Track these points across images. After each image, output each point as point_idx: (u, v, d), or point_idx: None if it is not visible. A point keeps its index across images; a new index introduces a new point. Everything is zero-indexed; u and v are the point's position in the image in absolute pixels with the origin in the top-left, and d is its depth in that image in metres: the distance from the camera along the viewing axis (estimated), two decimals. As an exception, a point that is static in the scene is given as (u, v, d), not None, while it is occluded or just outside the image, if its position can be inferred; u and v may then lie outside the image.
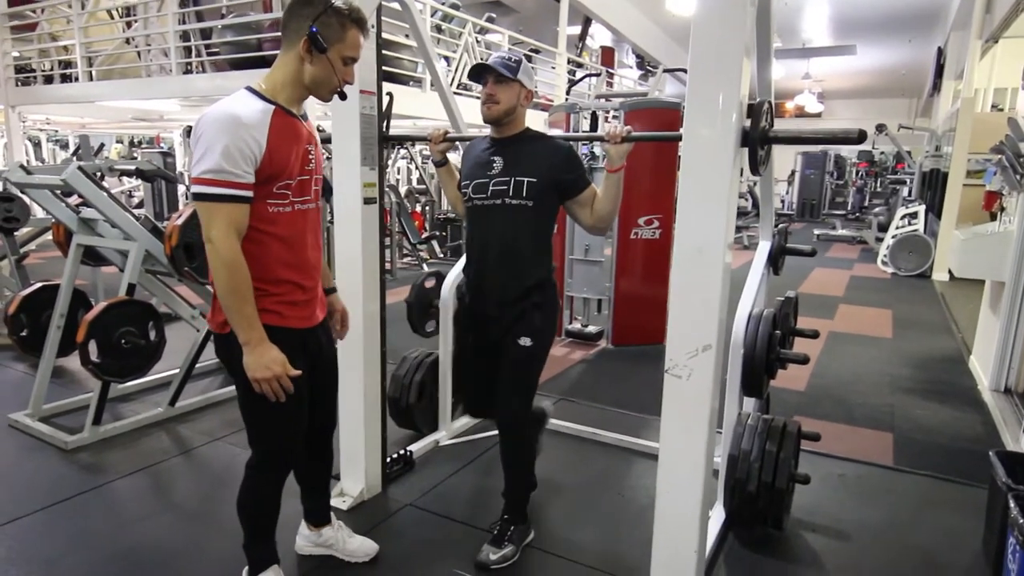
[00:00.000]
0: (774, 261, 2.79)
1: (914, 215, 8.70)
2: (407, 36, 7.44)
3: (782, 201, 17.67)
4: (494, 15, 9.89)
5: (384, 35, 6.81)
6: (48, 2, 7.85)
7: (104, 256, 3.60)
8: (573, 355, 4.77)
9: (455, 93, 7.81)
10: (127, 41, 7.53)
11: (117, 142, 15.83)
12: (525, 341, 2.15)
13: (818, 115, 19.11)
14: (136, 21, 7.60)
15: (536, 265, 2.19)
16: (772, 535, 2.43)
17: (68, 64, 7.68)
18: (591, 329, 5.02)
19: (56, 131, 11.33)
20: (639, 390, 4.07)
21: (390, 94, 2.54)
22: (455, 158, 2.86)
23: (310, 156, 1.75)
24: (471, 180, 2.21)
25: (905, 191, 10.72)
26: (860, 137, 1.73)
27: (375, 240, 2.47)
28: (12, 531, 2.36)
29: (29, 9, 7.99)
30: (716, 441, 1.93)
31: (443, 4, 8.56)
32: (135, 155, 10.91)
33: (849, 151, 16.95)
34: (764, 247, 2.77)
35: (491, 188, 2.15)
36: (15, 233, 4.50)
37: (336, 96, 1.79)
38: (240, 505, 1.91)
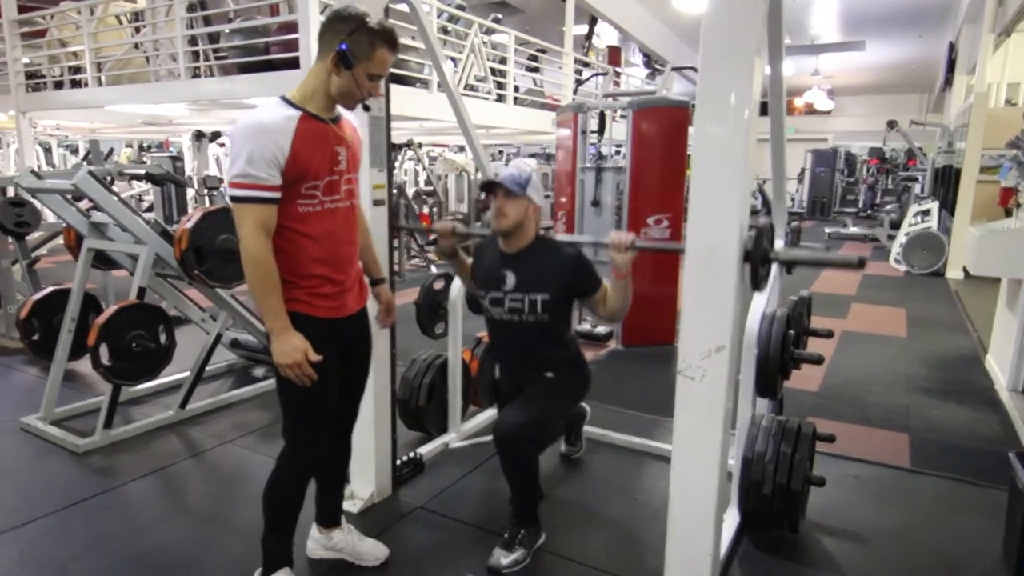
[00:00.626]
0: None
1: (927, 212, 8.61)
2: (413, 38, 7.46)
3: (792, 199, 17.54)
4: (500, 15, 9.87)
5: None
6: (57, 8, 7.91)
7: (115, 260, 3.61)
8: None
9: (461, 94, 7.85)
10: (136, 46, 7.57)
11: (127, 146, 15.93)
12: (548, 374, 2.32)
13: (828, 112, 18.98)
14: (145, 26, 7.64)
15: (557, 356, 2.36)
16: (787, 538, 2.40)
17: (78, 70, 7.73)
18: (600, 330, 4.99)
19: (66, 136, 11.40)
20: (650, 391, 4.04)
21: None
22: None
23: (339, 157, 1.82)
24: (486, 292, 2.35)
25: (917, 188, 10.62)
26: (860, 264, 1.78)
27: (384, 241, 2.46)
28: (25, 534, 2.37)
29: (39, 16, 8.05)
30: (730, 443, 1.90)
31: (449, 5, 8.56)
32: (144, 159, 10.96)
33: (860, 148, 16.83)
34: (777, 246, 2.73)
35: (507, 304, 2.29)
36: (27, 237, 4.53)
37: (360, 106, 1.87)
38: (266, 495, 1.95)
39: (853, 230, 12.32)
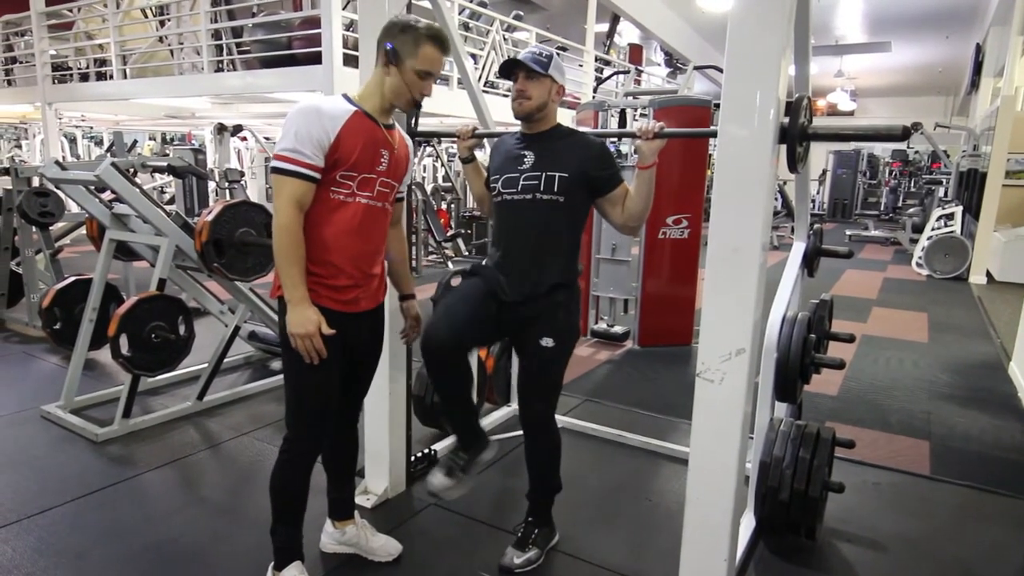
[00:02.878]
0: (809, 262, 2.72)
1: (950, 216, 8.47)
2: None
3: (813, 201, 17.32)
4: (521, 12, 9.85)
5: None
6: (84, 1, 8.01)
7: (136, 251, 3.65)
8: (599, 355, 4.72)
9: (483, 91, 7.84)
10: (160, 40, 7.64)
11: (150, 139, 16.13)
12: (547, 342, 2.10)
13: (851, 113, 18.74)
14: (169, 20, 7.71)
15: (564, 263, 2.16)
16: (804, 544, 2.37)
17: (103, 62, 7.82)
18: (617, 329, 4.96)
19: (90, 128, 11.55)
20: (666, 392, 4.01)
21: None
22: (482, 156, 2.83)
23: (382, 159, 1.87)
24: (500, 175, 2.17)
25: (941, 191, 10.45)
26: (904, 133, 1.67)
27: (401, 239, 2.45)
28: (42, 522, 2.40)
29: (66, 8, 8.15)
30: (747, 447, 1.88)
31: (471, 2, 8.55)
32: (168, 152, 11.09)
33: (882, 150, 16.60)
34: (799, 248, 2.70)
35: (521, 183, 2.11)
36: (50, 227, 4.59)
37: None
38: (271, 486, 1.96)
39: (874, 233, 12.15)
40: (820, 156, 16.82)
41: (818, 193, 17.01)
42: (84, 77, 8.19)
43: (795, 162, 1.75)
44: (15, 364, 4.15)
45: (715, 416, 1.81)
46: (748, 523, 2.41)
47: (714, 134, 1.74)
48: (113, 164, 2.96)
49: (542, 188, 2.08)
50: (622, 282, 4.87)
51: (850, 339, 2.69)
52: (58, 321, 3.58)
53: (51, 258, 4.56)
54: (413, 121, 2.51)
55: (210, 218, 3.07)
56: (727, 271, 1.75)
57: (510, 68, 2.10)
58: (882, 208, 16.00)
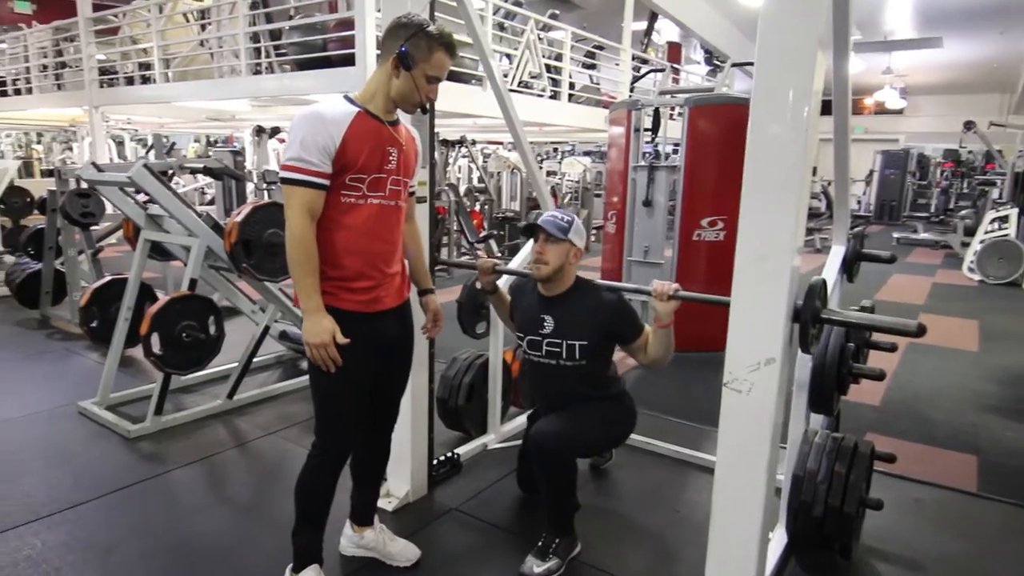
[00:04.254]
0: (849, 267, 2.60)
1: (1005, 219, 8.10)
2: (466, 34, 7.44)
3: (859, 202, 16.83)
4: (557, 12, 9.77)
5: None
6: (129, 6, 8.23)
7: (170, 251, 3.71)
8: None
9: (515, 91, 7.81)
10: (201, 43, 7.81)
11: (195, 141, 16.54)
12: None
13: (900, 111, 18.12)
14: (210, 23, 7.87)
15: (599, 400, 2.31)
16: (838, 562, 2.26)
17: (148, 66, 8.03)
18: (649, 333, 4.86)
19: (136, 130, 11.88)
20: (699, 399, 3.90)
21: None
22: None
23: (390, 157, 1.85)
24: (524, 335, 2.31)
25: (995, 193, 10.01)
26: (920, 331, 1.75)
27: (425, 238, 2.43)
28: (72, 516, 2.44)
29: (112, 14, 8.40)
30: (779, 458, 1.80)
31: (506, 1, 8.52)
32: (210, 154, 11.34)
33: (933, 150, 16.01)
34: (838, 251, 2.58)
35: (545, 348, 2.25)
36: (93, 228, 4.71)
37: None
38: (297, 489, 1.96)
39: (924, 236, 11.72)
40: (867, 156, 16.32)
41: (864, 194, 16.51)
42: (129, 81, 8.42)
43: (807, 345, 1.71)
44: (57, 360, 4.26)
45: (742, 428, 1.73)
46: (779, 538, 2.32)
47: (718, 302, 1.75)
48: (145, 166, 3.01)
49: (564, 356, 2.22)
50: (655, 285, 4.77)
51: (892, 348, 2.56)
52: (95, 319, 3.66)
53: (92, 257, 4.69)
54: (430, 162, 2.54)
55: (239, 219, 3.09)
56: (755, 277, 1.68)
57: (532, 230, 2.21)
58: (932, 210, 15.41)
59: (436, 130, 8.54)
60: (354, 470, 2.14)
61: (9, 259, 5.90)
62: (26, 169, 13.83)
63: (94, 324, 3.67)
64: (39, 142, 15.29)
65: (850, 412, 3.63)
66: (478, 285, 2.57)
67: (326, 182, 1.75)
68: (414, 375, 2.47)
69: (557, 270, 2.18)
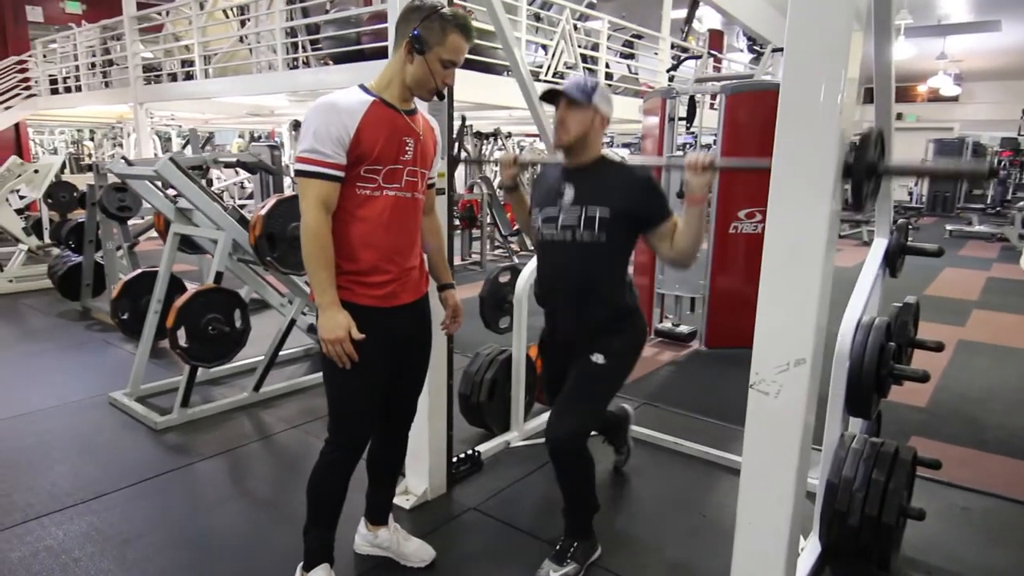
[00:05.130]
0: (891, 261, 2.44)
1: (1068, 210, 7.66)
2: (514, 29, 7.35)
3: (910, 193, 16.22)
4: (595, 1, 9.60)
5: (480, 24, 6.67)
6: (172, 4, 8.39)
7: (199, 245, 3.74)
8: (661, 356, 4.51)
9: (549, 81, 7.70)
10: (240, 39, 7.91)
11: (239, 136, 16.86)
12: (597, 358, 2.01)
13: (955, 99, 17.34)
14: (248, 19, 7.96)
15: (611, 302, 2.06)
16: (876, 575, 2.13)
17: (189, 63, 8.18)
18: (683, 329, 4.73)
19: (180, 126, 12.15)
20: (732, 398, 3.72)
21: (464, 117, 2.45)
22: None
23: (407, 148, 1.79)
24: (540, 207, 2.09)
25: (1057, 183, 9.48)
26: (991, 173, 1.46)
27: (444, 231, 2.37)
28: (96, 507, 2.47)
29: (155, 12, 8.57)
30: (814, 461, 1.69)
31: (542, -9, 8.39)
32: (249, 149, 11.53)
33: (990, 139, 15.27)
34: (879, 245, 2.43)
35: (561, 220, 2.02)
36: (129, 221, 4.80)
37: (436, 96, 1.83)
38: (309, 486, 1.93)
39: (979, 228, 11.21)
40: (919, 145, 15.68)
41: (916, 185, 15.88)
42: (172, 78, 8.60)
43: (861, 201, 1.55)
44: (93, 351, 4.36)
45: (770, 432, 1.64)
46: (813, 547, 2.20)
47: (757, 167, 1.58)
48: (172, 159, 3.02)
49: (581, 228, 1.98)
50: (689, 279, 4.63)
51: (938, 348, 2.40)
52: (126, 311, 3.72)
53: (129, 250, 4.78)
54: (456, 148, 2.44)
55: (263, 212, 3.09)
56: (785, 272, 1.57)
57: (552, 97, 2.01)
58: (988, 201, 14.73)
59: (470, 122, 8.48)
60: (369, 468, 2.10)
61: (55, 252, 6.08)
62: (76, 164, 14.32)
63: (125, 316, 3.73)
64: (91, 139, 15.80)
65: (894, 414, 3.46)
66: (498, 184, 2.40)
67: (341, 174, 1.70)
68: (432, 371, 2.41)
69: (581, 137, 1.97)
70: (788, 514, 1.63)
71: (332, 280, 1.72)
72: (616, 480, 2.77)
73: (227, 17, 8.22)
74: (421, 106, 1.95)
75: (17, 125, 11.44)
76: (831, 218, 1.50)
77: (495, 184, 8.21)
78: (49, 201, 6.51)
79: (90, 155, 14.80)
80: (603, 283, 2.04)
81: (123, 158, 3.46)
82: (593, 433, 2.90)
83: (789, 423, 1.61)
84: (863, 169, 1.51)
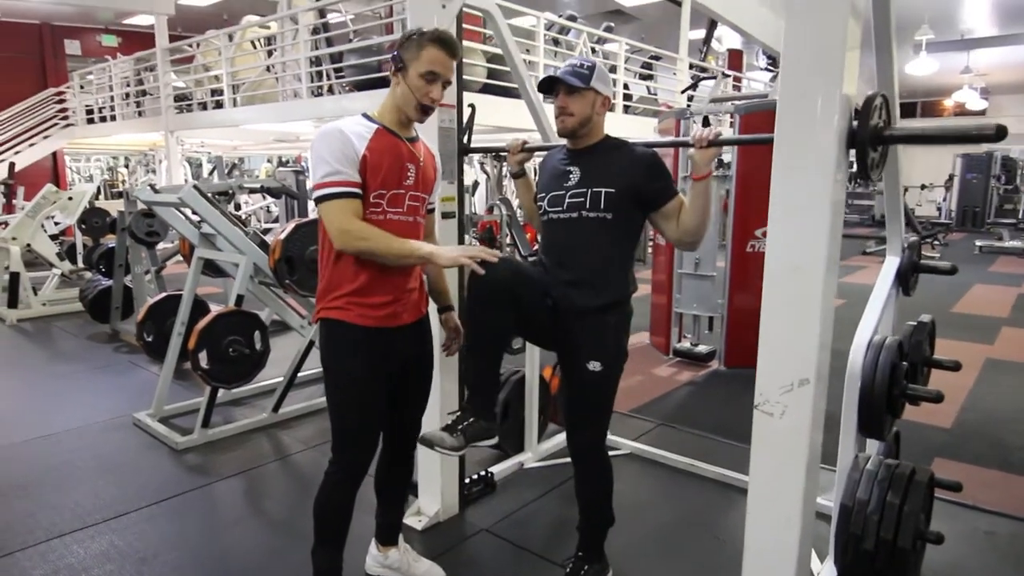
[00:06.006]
0: (904, 280, 2.42)
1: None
2: (528, 51, 7.47)
3: (939, 209, 15.94)
4: (612, 24, 9.71)
5: (495, 49, 6.76)
6: (203, 36, 8.68)
7: (223, 269, 3.83)
8: (680, 376, 4.48)
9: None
10: (268, 69, 8.14)
11: (268, 162, 17.25)
12: (594, 366, 1.98)
13: (982, 112, 17.07)
14: (275, 50, 8.20)
15: (615, 282, 2.02)
16: (895, 601, 2.08)
17: (219, 92, 8.44)
18: (701, 349, 4.69)
19: (209, 153, 12.48)
20: (750, 418, 3.70)
21: (472, 105, 2.48)
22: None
23: (408, 173, 1.85)
24: (547, 192, 2.08)
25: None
26: (999, 134, 1.43)
27: (453, 255, 2.41)
28: (115, 526, 2.52)
29: (187, 44, 8.87)
30: (830, 483, 1.68)
31: (560, 16, 8.52)
32: (275, 174, 11.78)
33: (1020, 152, 14.98)
34: (891, 263, 2.40)
35: (567, 200, 2.00)
36: (157, 246, 4.94)
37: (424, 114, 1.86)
38: (315, 506, 1.95)
39: (1011, 244, 10.96)
40: (946, 160, 15.44)
41: (945, 200, 15.61)
42: (203, 107, 8.86)
43: (868, 169, 1.55)
44: (120, 373, 4.47)
45: (775, 455, 1.64)
46: (829, 571, 2.16)
47: (746, 141, 1.58)
48: (195, 186, 3.12)
49: (588, 205, 1.97)
50: (706, 298, 4.61)
51: (955, 367, 2.35)
52: (151, 334, 3.81)
53: (156, 274, 4.91)
54: (466, 135, 2.47)
55: (283, 236, 3.16)
56: (786, 292, 1.59)
57: (550, 85, 1.99)
58: (1020, 216, 14.42)
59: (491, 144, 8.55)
60: (377, 488, 2.12)
61: (87, 276, 6.26)
62: (109, 191, 14.74)
63: (150, 338, 3.82)
64: (127, 166, 16.28)
65: (917, 435, 3.39)
66: (506, 170, 2.42)
67: (360, 191, 1.76)
68: (444, 394, 2.45)
69: (583, 122, 1.97)
70: (796, 537, 1.62)
71: (409, 242, 1.76)
72: (629, 502, 2.75)
73: (255, 48, 8.47)
74: (424, 135, 1.99)
75: (55, 153, 11.87)
76: (831, 234, 1.51)
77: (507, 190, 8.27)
78: (83, 227, 6.71)
79: (123, 181, 15.24)
80: (608, 261, 2.01)
81: (150, 185, 3.58)
82: (622, 452, 2.91)
83: (795, 444, 1.60)
84: (866, 136, 1.50)
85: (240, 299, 3.30)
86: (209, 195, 3.17)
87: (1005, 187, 14.45)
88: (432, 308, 2.12)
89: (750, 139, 2.66)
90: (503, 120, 6.34)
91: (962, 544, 2.42)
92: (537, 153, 2.39)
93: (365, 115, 1.84)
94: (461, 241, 2.49)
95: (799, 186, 1.54)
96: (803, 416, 1.57)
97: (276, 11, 8.12)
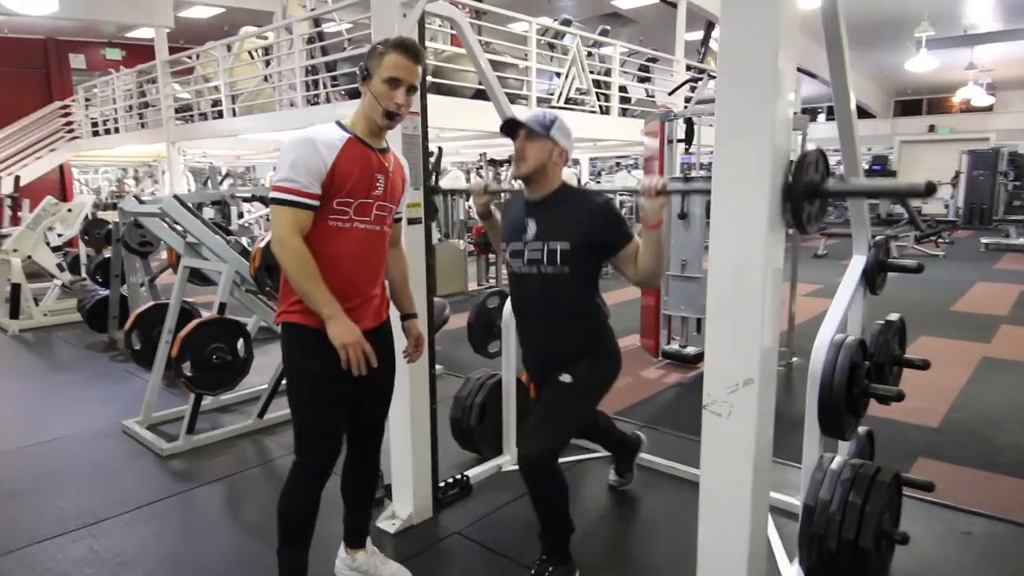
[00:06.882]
0: (870, 279, 2.41)
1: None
2: (525, 56, 7.50)
3: (946, 206, 15.78)
4: (608, 27, 9.72)
5: (494, 57, 6.79)
6: (202, 48, 8.79)
7: (209, 277, 3.88)
8: (667, 378, 4.48)
9: (561, 108, 7.79)
10: (265, 79, 8.22)
11: (273, 170, 17.37)
12: (565, 378, 2.07)
13: (989, 108, 16.89)
14: (272, 59, 8.28)
15: (579, 329, 2.13)
16: (860, 601, 2.07)
17: (217, 103, 8.53)
18: (690, 350, 4.69)
19: (211, 163, 12.60)
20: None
21: (440, 148, 2.56)
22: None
23: (377, 183, 1.89)
24: (507, 243, 2.18)
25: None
26: (929, 190, 1.47)
27: (420, 261, 2.44)
28: (96, 531, 2.56)
29: (186, 55, 8.98)
30: (767, 488, 1.68)
31: (555, 21, 8.54)
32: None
33: (1028, 147, 14.82)
34: (857, 262, 2.40)
35: (526, 255, 2.11)
36: (150, 256, 5.00)
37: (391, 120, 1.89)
38: (279, 508, 1.97)
39: (1018, 240, 10.85)
40: (952, 157, 15.30)
41: (952, 197, 15.46)
42: (204, 117, 8.96)
43: (804, 223, 1.57)
44: (115, 381, 4.53)
45: (724, 455, 1.64)
46: (797, 572, 2.16)
47: (702, 191, 1.61)
48: (176, 197, 3.17)
49: (545, 262, 2.06)
50: (693, 300, 4.60)
51: (923, 366, 2.36)
52: (139, 342, 3.87)
53: (149, 283, 4.97)
54: (433, 176, 2.52)
55: (262, 245, 3.21)
56: (728, 293, 1.59)
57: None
58: (1029, 212, 14.26)
59: (483, 151, 8.56)
60: (343, 491, 2.14)
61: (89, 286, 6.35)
62: (117, 203, 14.88)
63: (138, 347, 3.88)
64: (135, 177, 16.47)
65: (902, 434, 3.38)
66: (472, 210, 2.52)
67: (315, 203, 1.78)
68: (415, 396, 2.47)
69: (538, 168, 2.04)
70: (746, 537, 1.62)
71: (328, 291, 1.77)
72: (607, 503, 2.77)
73: (252, 58, 8.56)
74: (394, 146, 2.03)
75: (62, 166, 12.03)
76: (771, 235, 1.52)
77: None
78: (86, 238, 6.82)
79: (128, 192, 15.40)
80: (570, 312, 2.11)
81: (134, 196, 3.64)
82: (602, 454, 2.94)
83: (743, 444, 1.61)
84: (801, 190, 1.53)
85: (223, 307, 3.35)
86: (190, 205, 3.22)
87: (1013, 183, 14.30)
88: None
89: (698, 189, 2.66)
90: (494, 125, 6.37)
91: (937, 543, 2.41)
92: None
93: (339, 123, 1.88)
94: (429, 249, 2.51)
95: (738, 232, 1.54)
96: (749, 416, 1.58)
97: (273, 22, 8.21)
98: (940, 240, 11.31)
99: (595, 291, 2.17)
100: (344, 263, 1.85)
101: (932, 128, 17.88)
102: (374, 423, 2.10)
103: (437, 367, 4.54)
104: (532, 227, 2.09)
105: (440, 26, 6.14)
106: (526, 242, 2.09)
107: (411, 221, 2.38)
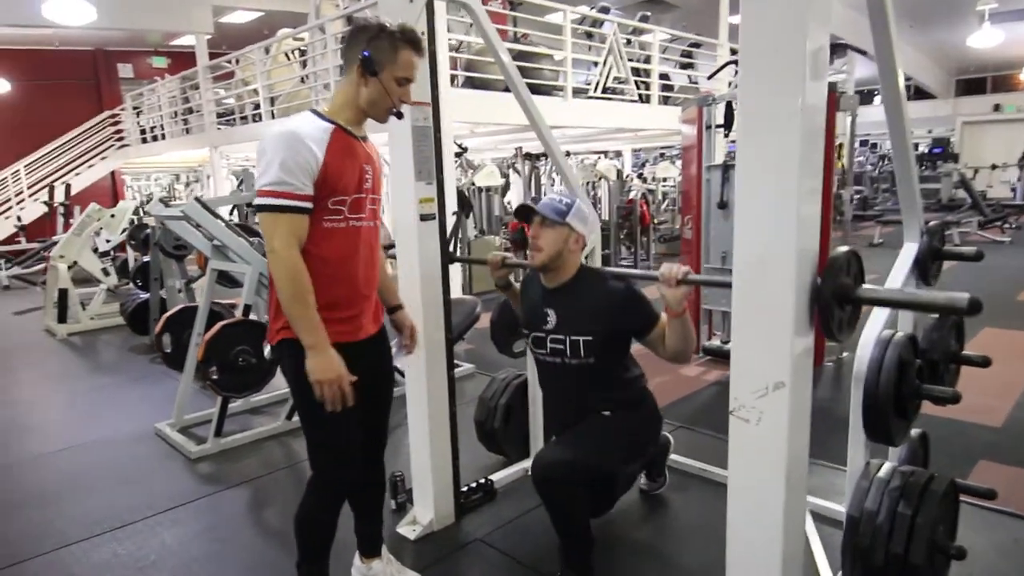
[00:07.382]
0: (923, 268, 2.21)
1: None
2: (560, 48, 7.36)
3: (1013, 189, 14.91)
4: (648, 14, 9.46)
5: (523, 47, 6.67)
6: (240, 52, 8.92)
7: (237, 279, 3.89)
8: (707, 375, 4.29)
9: (599, 98, 7.60)
10: (302, 80, 8.29)
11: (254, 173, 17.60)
12: (606, 412, 2.07)
13: (1060, 84, 15.90)
14: (307, 59, 8.34)
15: (613, 398, 2.10)
16: (912, 621, 1.89)
17: (256, 106, 8.65)
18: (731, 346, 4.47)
19: (244, 167, 12.84)
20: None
21: (456, 213, 2.53)
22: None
23: (366, 176, 1.76)
24: (529, 330, 2.15)
25: None
26: (972, 308, 1.31)
27: (435, 260, 2.34)
28: (121, 535, 2.56)
29: (225, 60, 9.13)
30: (804, 497, 1.54)
31: (592, 8, 8.35)
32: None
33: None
34: (908, 250, 2.20)
35: (549, 345, 2.08)
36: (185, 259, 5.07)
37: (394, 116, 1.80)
38: (297, 522, 1.90)
39: (1091, 224, 10.14)
40: (1019, 138, 14.45)
41: (1019, 180, 14.59)
42: (245, 120, 9.11)
43: (834, 331, 1.47)
44: (152, 383, 4.60)
45: (753, 464, 1.52)
46: (840, 587, 1.99)
47: (728, 284, 1.52)
48: (197, 199, 3.16)
49: (568, 354, 2.03)
50: (735, 294, 4.39)
51: (983, 363, 2.14)
52: (170, 345, 3.89)
53: (185, 286, 5.04)
54: (452, 244, 2.50)
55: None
56: (755, 289, 1.45)
57: (526, 213, 2.05)
58: (1104, 194, 13.35)
59: (519, 145, 8.43)
60: (352, 501, 2.06)
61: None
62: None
63: (168, 350, 3.90)
64: (187, 183, 16.95)
65: (961, 435, 3.14)
66: (509, 204, 2.48)
67: (310, 206, 1.63)
68: (433, 399, 2.39)
69: (554, 257, 2.02)
70: (779, 552, 1.49)
71: (318, 318, 1.64)
72: (638, 508, 2.63)
73: (289, 60, 8.64)
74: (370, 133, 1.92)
75: (112, 173, 12.45)
76: (801, 224, 1.37)
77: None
78: (132, 242, 6.99)
79: (177, 197, 15.85)
80: (601, 395, 2.08)
81: (160, 199, 3.67)
82: None
83: (773, 453, 1.48)
84: (829, 295, 1.42)
85: (248, 309, 3.33)
86: (212, 208, 3.20)
87: (1086, 163, 13.40)
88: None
89: (717, 281, 2.53)
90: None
91: (1000, 557, 2.20)
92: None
93: (315, 112, 1.73)
94: (443, 247, 2.41)
95: (767, 165, 1.39)
96: (780, 423, 1.45)
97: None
98: (1006, 225, 10.67)
99: (625, 366, 2.13)
100: (348, 267, 1.75)
101: (997, 107, 16.90)
102: (380, 430, 2.03)
103: (468, 366, 4.53)
104: (552, 317, 2.06)
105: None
106: (547, 332, 2.07)
107: (424, 217, 2.29)
